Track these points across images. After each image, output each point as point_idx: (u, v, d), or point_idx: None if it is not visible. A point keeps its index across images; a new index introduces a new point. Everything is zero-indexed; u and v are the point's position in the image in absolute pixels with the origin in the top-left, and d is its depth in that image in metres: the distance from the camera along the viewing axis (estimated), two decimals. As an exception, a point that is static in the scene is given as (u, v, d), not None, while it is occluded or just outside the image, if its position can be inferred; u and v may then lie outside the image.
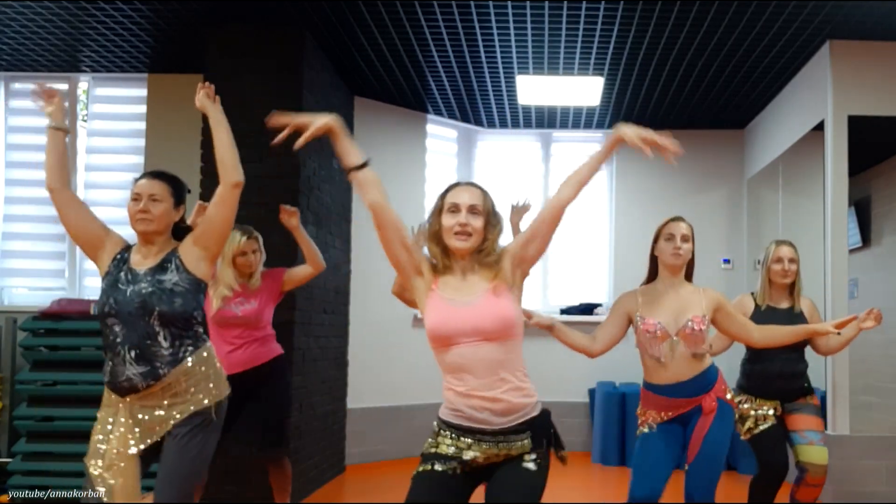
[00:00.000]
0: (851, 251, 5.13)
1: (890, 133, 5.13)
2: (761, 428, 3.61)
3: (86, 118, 6.00)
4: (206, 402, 2.62)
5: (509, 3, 4.47)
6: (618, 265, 6.99)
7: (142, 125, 5.76)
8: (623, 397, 6.27)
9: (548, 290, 7.18)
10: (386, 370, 6.22)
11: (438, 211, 2.32)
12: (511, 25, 4.78)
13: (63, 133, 2.81)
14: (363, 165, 2.28)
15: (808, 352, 3.75)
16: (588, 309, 6.96)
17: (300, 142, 2.26)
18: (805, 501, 3.65)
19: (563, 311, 6.98)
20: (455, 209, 2.27)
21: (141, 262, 2.67)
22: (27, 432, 4.89)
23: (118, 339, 2.56)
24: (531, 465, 2.22)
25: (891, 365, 5.43)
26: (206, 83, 2.78)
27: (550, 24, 4.76)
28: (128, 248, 2.73)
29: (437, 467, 2.20)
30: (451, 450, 2.22)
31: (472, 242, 2.26)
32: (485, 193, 2.34)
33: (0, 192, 5.92)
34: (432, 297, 2.27)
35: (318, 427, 5.29)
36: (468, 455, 2.21)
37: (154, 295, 2.57)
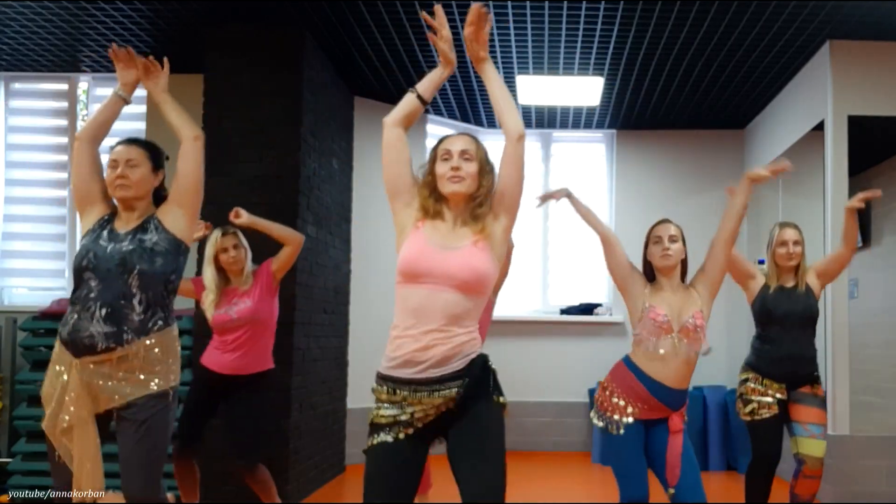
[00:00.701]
0: (851, 251, 5.12)
1: (890, 133, 5.14)
2: (763, 416, 3.61)
3: (86, 118, 6.00)
4: (161, 386, 2.57)
5: (509, 3, 4.47)
6: (618, 265, 6.99)
7: (142, 125, 5.75)
8: (623, 397, 6.26)
9: (548, 290, 7.18)
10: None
11: (432, 161, 2.36)
12: (511, 25, 4.78)
13: (123, 103, 2.82)
14: (424, 101, 2.39)
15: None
16: (588, 309, 6.96)
17: (431, 33, 2.39)
18: (805, 495, 3.65)
19: (563, 311, 6.98)
20: (447, 156, 2.31)
21: (123, 226, 2.67)
22: (27, 432, 4.89)
23: (91, 295, 2.53)
24: (479, 407, 2.19)
25: (891, 365, 5.43)
26: (149, 58, 2.77)
27: (550, 24, 4.76)
28: (115, 213, 2.73)
29: (381, 438, 2.19)
30: (390, 411, 2.20)
31: (466, 187, 2.28)
32: (477, 142, 2.36)
33: (0, 192, 5.92)
34: (415, 233, 2.28)
35: (318, 427, 5.29)
36: (406, 414, 2.18)
37: (135, 253, 2.56)
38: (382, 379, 2.25)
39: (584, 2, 4.43)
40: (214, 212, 4.13)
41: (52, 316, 4.95)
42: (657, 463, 2.92)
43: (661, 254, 2.97)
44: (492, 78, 2.34)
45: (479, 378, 2.22)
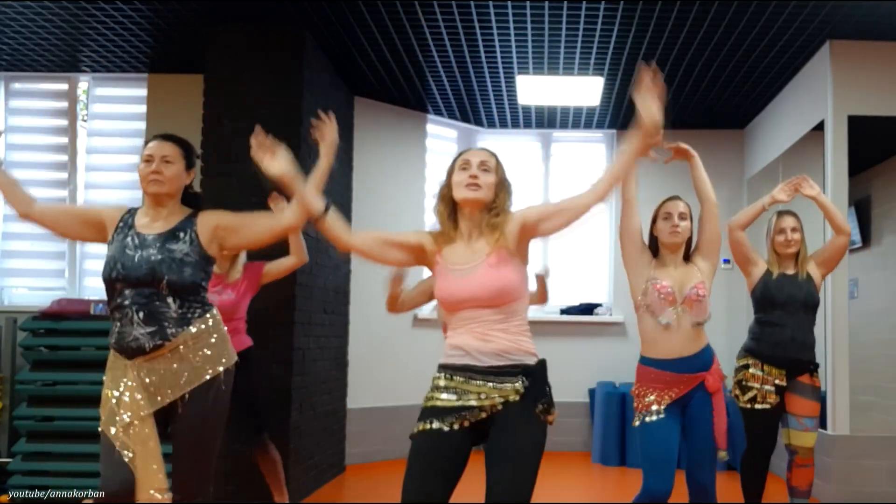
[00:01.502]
0: (851, 251, 5.12)
1: (890, 133, 5.13)
2: (763, 405, 3.61)
3: (86, 118, 6.00)
4: (215, 370, 2.60)
5: (509, 3, 4.47)
6: (618, 265, 6.98)
7: (142, 125, 5.76)
8: (623, 397, 6.27)
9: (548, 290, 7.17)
10: (386, 370, 6.22)
11: (450, 172, 2.38)
12: (511, 25, 4.77)
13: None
14: (327, 208, 2.42)
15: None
16: (588, 309, 6.96)
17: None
18: (802, 485, 3.66)
19: (563, 311, 6.98)
20: (466, 165, 2.34)
21: (149, 225, 2.66)
22: (27, 432, 4.89)
23: (126, 302, 2.54)
24: (532, 411, 2.25)
25: (891, 365, 5.43)
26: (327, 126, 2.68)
27: (550, 24, 4.75)
28: (130, 211, 2.73)
29: (436, 425, 2.22)
30: (447, 396, 2.24)
31: (482, 194, 2.31)
32: (496, 157, 2.39)
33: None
34: (438, 268, 2.36)
35: (318, 427, 5.29)
36: (464, 401, 2.22)
37: (163, 263, 2.55)
38: (441, 367, 2.32)
39: (584, 2, 4.43)
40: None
41: (52, 316, 4.95)
42: (688, 428, 2.96)
43: (669, 230, 3.02)
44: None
45: (537, 384, 2.28)
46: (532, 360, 2.30)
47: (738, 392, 3.69)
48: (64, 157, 5.93)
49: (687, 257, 3.11)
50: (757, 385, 3.62)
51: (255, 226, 2.72)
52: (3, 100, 5.93)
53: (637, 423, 2.99)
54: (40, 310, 5.01)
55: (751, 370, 3.66)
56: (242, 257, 3.90)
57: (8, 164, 5.94)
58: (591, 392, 6.78)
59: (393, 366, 6.21)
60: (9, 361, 5.37)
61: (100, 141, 5.92)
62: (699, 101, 6.24)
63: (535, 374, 2.28)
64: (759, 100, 6.16)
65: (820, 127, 5.10)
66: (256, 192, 4.72)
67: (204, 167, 4.69)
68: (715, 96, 6.09)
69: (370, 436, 6.15)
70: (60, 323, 4.94)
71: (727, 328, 6.45)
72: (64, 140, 5.94)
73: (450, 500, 2.25)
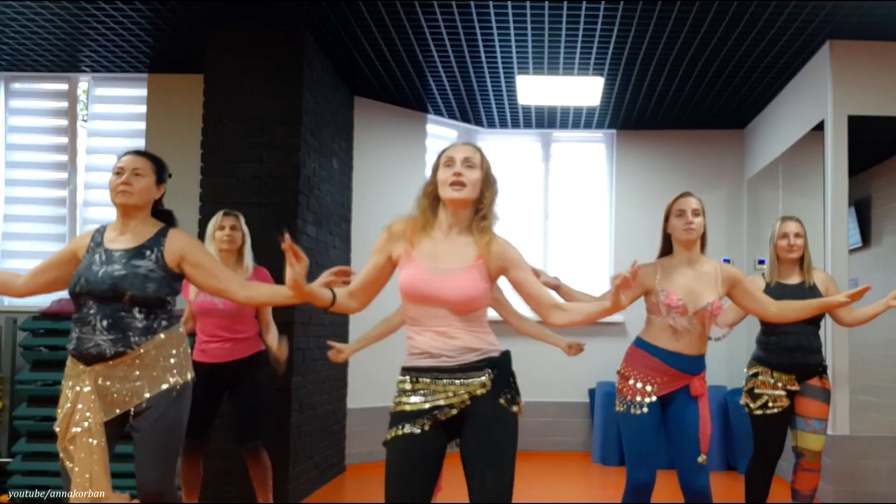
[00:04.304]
0: (851, 251, 5.12)
1: (890, 133, 5.13)
2: (773, 410, 3.59)
3: (86, 118, 6.00)
4: (174, 380, 2.61)
5: (509, 3, 4.47)
6: (618, 265, 6.99)
7: (142, 125, 5.76)
8: (623, 397, 6.26)
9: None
10: (386, 370, 6.19)
11: (435, 170, 2.36)
12: (511, 25, 4.77)
13: None
14: (334, 298, 2.37)
15: None
16: (588, 309, 6.95)
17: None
18: (805, 489, 3.65)
19: (563, 311, 6.98)
20: (450, 162, 2.31)
21: (116, 239, 2.67)
22: (27, 432, 4.89)
23: (91, 311, 2.56)
24: (502, 400, 2.24)
25: (891, 365, 5.43)
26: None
27: (550, 24, 4.76)
28: (99, 229, 2.74)
29: (407, 429, 2.24)
30: (415, 399, 2.24)
31: (467, 193, 2.28)
32: (481, 152, 2.37)
33: (0, 192, 5.92)
34: (407, 259, 2.31)
35: (318, 427, 5.29)
36: (432, 402, 2.22)
37: (126, 279, 2.56)
38: (405, 370, 2.31)
39: (584, 2, 4.43)
40: (214, 211, 4.13)
41: (52, 316, 4.95)
42: (674, 433, 2.96)
43: (684, 227, 2.99)
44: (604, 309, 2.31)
45: (501, 375, 2.27)
46: (496, 353, 2.30)
47: (748, 400, 3.67)
48: (64, 157, 5.93)
49: (703, 250, 3.09)
50: (767, 391, 3.60)
51: (216, 279, 2.68)
52: (3, 100, 5.93)
53: (622, 409, 3.00)
54: (40, 310, 5.01)
55: (760, 378, 3.64)
56: (248, 257, 3.85)
57: (8, 164, 5.95)
58: (591, 392, 6.78)
59: (393, 366, 6.18)
60: (9, 361, 5.37)
61: (100, 141, 5.92)
62: (699, 101, 6.24)
63: (500, 366, 2.27)
64: (759, 100, 6.16)
65: (820, 127, 5.10)
66: (256, 192, 4.74)
67: (204, 167, 4.69)
68: (715, 96, 6.09)
69: (370, 436, 6.14)
70: (60, 323, 4.94)
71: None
72: (64, 140, 5.94)
73: (430, 499, 2.28)
